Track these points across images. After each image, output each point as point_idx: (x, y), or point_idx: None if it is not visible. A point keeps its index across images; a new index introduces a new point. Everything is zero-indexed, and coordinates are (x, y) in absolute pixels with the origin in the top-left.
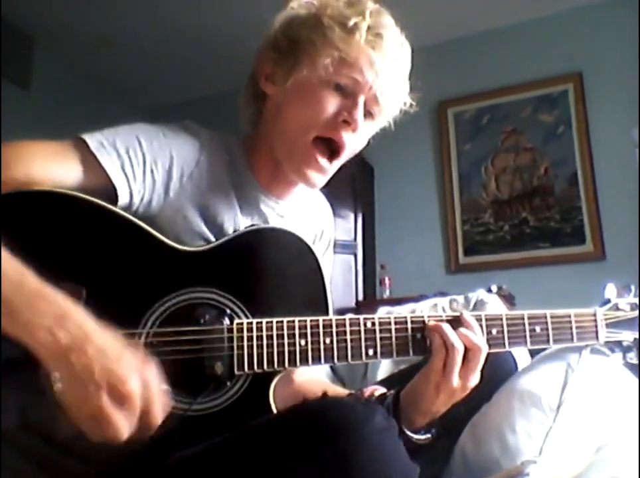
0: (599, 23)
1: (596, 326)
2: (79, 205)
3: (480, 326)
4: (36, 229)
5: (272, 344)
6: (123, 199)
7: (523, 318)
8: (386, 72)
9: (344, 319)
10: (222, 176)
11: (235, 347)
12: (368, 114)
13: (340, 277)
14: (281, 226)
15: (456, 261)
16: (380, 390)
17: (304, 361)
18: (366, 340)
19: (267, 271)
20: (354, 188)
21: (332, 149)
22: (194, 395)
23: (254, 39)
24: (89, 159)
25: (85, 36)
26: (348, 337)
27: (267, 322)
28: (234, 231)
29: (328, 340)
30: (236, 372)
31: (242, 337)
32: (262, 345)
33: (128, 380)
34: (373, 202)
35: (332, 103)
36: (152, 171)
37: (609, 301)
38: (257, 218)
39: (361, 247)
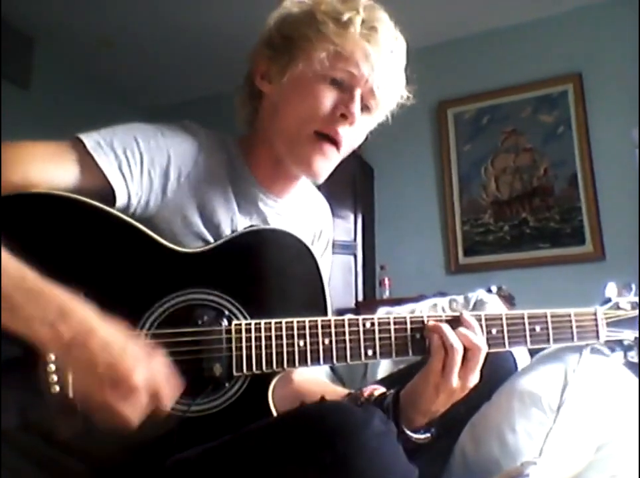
0: (598, 23)
1: (597, 325)
2: (77, 207)
3: (480, 326)
4: (34, 232)
5: (271, 345)
6: (121, 200)
7: (523, 318)
8: (382, 65)
9: (343, 320)
10: (220, 175)
11: (233, 348)
12: (365, 108)
13: (339, 278)
14: (280, 227)
15: (456, 261)
16: (380, 390)
17: (303, 362)
18: (365, 340)
19: (266, 272)
20: (354, 188)
21: (331, 143)
22: (193, 396)
23: (254, 39)
24: (86, 160)
25: (85, 36)
26: (347, 338)
27: (265, 324)
28: (232, 231)
29: (327, 341)
30: (235, 373)
31: (241, 338)
32: (261, 346)
33: (132, 374)
34: (373, 202)
35: (329, 98)
36: (149, 171)
37: (609, 300)
38: (256, 216)
39: (361, 248)
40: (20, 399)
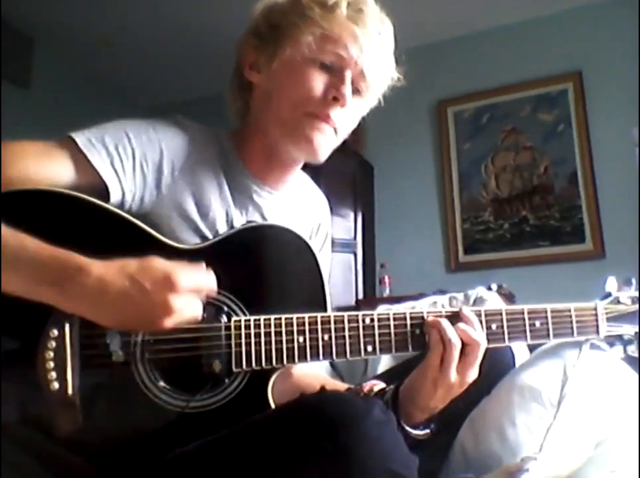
0: (598, 22)
1: (597, 320)
2: (74, 203)
3: (480, 321)
4: (30, 228)
5: (270, 341)
6: (115, 196)
7: (523, 313)
8: (370, 47)
9: (343, 316)
10: (213, 168)
11: (233, 344)
12: (355, 91)
13: (340, 276)
14: (279, 222)
15: (456, 259)
16: (379, 385)
17: (302, 358)
18: (364, 336)
19: (265, 268)
20: (354, 187)
21: (325, 122)
22: (193, 392)
23: None
24: (79, 158)
25: (85, 36)
26: (347, 333)
27: (265, 320)
28: (228, 224)
29: (326, 337)
30: (234, 369)
31: (240, 334)
32: (260, 342)
33: (171, 305)
34: (373, 201)
35: (319, 81)
36: (142, 166)
37: (609, 294)
38: (252, 208)
39: (361, 246)
40: (20, 393)
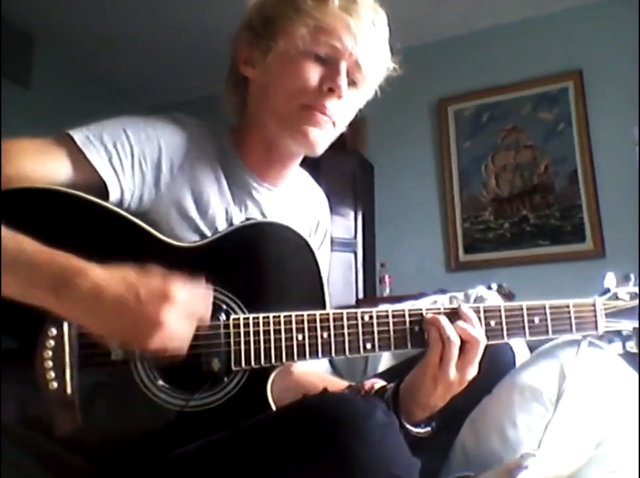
0: (599, 21)
1: (595, 316)
2: (71, 201)
3: (479, 318)
4: (28, 227)
5: (269, 339)
6: (114, 194)
7: (522, 310)
8: (365, 37)
9: (342, 313)
10: (212, 165)
11: (232, 343)
12: (351, 83)
13: (340, 276)
14: (278, 220)
15: (456, 259)
16: (380, 383)
17: (301, 356)
18: (363, 333)
19: (264, 266)
20: (354, 186)
21: (321, 114)
22: (192, 391)
23: None
24: (76, 155)
25: (85, 36)
26: (346, 331)
27: (263, 317)
28: (227, 221)
29: (325, 335)
30: (233, 367)
31: (239, 333)
32: (259, 340)
33: (158, 315)
34: (373, 200)
35: (314, 72)
36: (140, 164)
37: (608, 290)
38: (251, 205)
39: (361, 246)
40: (20, 393)
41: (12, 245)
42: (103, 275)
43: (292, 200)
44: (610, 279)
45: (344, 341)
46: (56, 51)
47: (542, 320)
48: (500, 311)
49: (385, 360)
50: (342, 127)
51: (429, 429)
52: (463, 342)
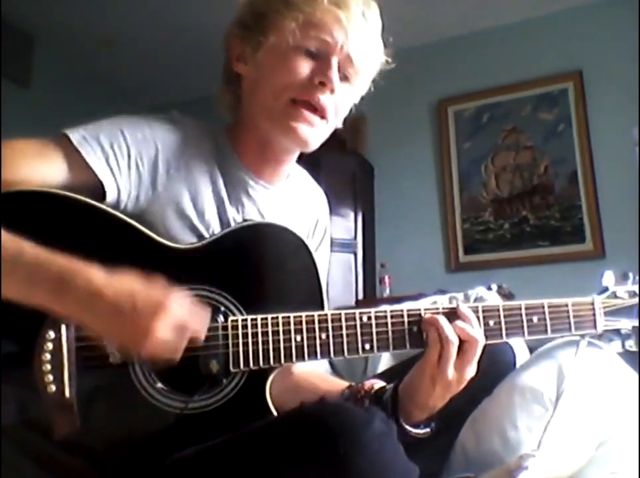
0: (599, 22)
1: (594, 314)
2: (67, 204)
3: (478, 318)
4: (26, 230)
5: (267, 341)
6: (110, 194)
7: (520, 309)
8: (356, 31)
9: (340, 314)
10: (208, 164)
11: (230, 344)
12: (344, 78)
13: (340, 276)
14: (276, 221)
15: (456, 259)
16: (379, 384)
17: (300, 357)
18: (362, 334)
19: (262, 267)
20: (354, 186)
21: (312, 111)
22: (190, 393)
23: None
24: (73, 155)
25: (85, 36)
26: (344, 332)
27: (262, 319)
28: (223, 219)
29: (324, 336)
30: (232, 369)
31: (237, 334)
32: (257, 342)
33: (153, 327)
34: (373, 200)
35: (304, 66)
36: (137, 164)
37: (607, 289)
38: (248, 203)
39: (361, 246)
40: (19, 396)
41: (12, 247)
42: (103, 279)
43: (290, 199)
44: (608, 278)
45: (342, 342)
46: (56, 51)
47: (541, 320)
48: (498, 310)
49: (385, 361)
50: (335, 123)
51: (428, 430)
52: (461, 341)
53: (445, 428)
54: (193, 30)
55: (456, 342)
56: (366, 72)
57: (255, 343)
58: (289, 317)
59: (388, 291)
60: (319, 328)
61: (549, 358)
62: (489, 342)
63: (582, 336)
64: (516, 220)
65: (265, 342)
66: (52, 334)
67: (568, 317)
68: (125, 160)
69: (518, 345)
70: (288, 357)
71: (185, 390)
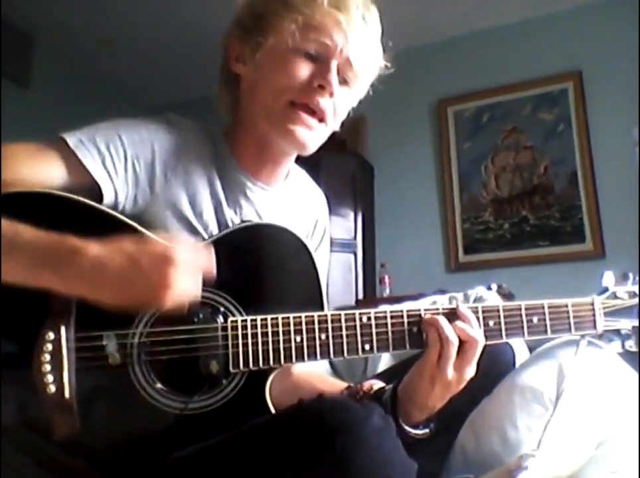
0: (599, 22)
1: (594, 315)
2: (66, 205)
3: (477, 318)
4: None
5: (267, 341)
6: (108, 197)
7: (520, 309)
8: (355, 34)
9: (340, 314)
10: (206, 166)
11: (230, 345)
12: (343, 81)
13: (340, 276)
14: (275, 221)
15: (456, 259)
16: (378, 384)
17: (300, 357)
18: (362, 335)
19: (261, 268)
20: (353, 186)
21: (310, 114)
22: (190, 394)
23: None
24: (70, 158)
25: (85, 36)
26: (344, 332)
27: (261, 320)
28: (221, 221)
29: (323, 336)
30: (231, 370)
31: (237, 335)
32: (257, 342)
33: (167, 282)
34: (373, 200)
35: (304, 69)
36: (134, 166)
37: (606, 289)
38: (246, 204)
39: (361, 246)
40: (19, 397)
41: (9, 230)
42: (101, 250)
43: (288, 200)
44: (608, 278)
45: (342, 342)
46: (56, 51)
47: (541, 320)
48: (498, 310)
49: (385, 361)
50: (334, 126)
51: (427, 430)
52: (461, 342)
53: (445, 428)
54: (193, 30)
55: (456, 342)
56: (365, 75)
57: (254, 344)
58: (288, 318)
59: (388, 291)
60: (319, 328)
61: (549, 358)
62: (489, 342)
63: (582, 336)
64: (516, 220)
65: (265, 343)
66: (51, 335)
67: (568, 317)
68: (121, 162)
69: (518, 345)
70: (288, 358)
71: (185, 391)
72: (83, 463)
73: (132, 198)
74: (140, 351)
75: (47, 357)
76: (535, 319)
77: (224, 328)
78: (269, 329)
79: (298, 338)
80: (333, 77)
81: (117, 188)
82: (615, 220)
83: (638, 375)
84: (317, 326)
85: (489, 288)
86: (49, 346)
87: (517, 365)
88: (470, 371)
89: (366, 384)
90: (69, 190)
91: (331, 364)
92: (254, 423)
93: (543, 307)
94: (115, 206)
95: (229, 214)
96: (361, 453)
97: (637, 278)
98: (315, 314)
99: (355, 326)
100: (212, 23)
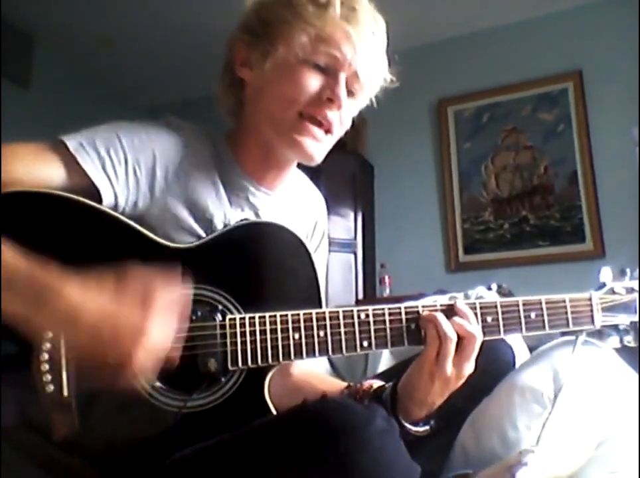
0: (599, 22)
1: (592, 310)
2: (66, 204)
3: (475, 314)
4: (25, 230)
5: (265, 339)
6: (107, 200)
7: (518, 305)
8: (364, 48)
9: (338, 312)
10: (208, 170)
11: (228, 343)
12: (349, 93)
13: (340, 276)
14: (272, 219)
15: (456, 259)
16: (378, 383)
17: (298, 355)
18: (360, 332)
19: (259, 266)
20: (354, 186)
21: (317, 126)
22: (189, 392)
23: None
24: (70, 161)
25: (85, 36)
26: (342, 330)
27: (260, 317)
28: (224, 225)
29: (322, 333)
30: (230, 367)
31: (235, 333)
32: (255, 340)
33: (132, 361)
34: (373, 200)
35: (313, 81)
36: (134, 170)
37: (604, 284)
38: (248, 209)
39: (361, 246)
40: (18, 397)
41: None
42: (79, 296)
43: (289, 203)
44: (606, 274)
45: (340, 340)
46: (56, 51)
47: (539, 316)
48: (496, 306)
49: (385, 361)
50: (338, 136)
51: (427, 428)
52: (459, 338)
53: (445, 427)
54: (193, 30)
55: (454, 338)
56: (371, 88)
57: (253, 341)
58: (286, 315)
59: (388, 291)
60: (317, 326)
61: (548, 358)
62: (487, 338)
63: (580, 333)
64: (516, 220)
65: (263, 341)
66: (50, 333)
67: (566, 313)
68: (122, 166)
69: (518, 345)
70: (286, 355)
71: (184, 389)
72: (82, 463)
73: (132, 202)
74: None
75: (45, 356)
76: (533, 315)
77: (222, 326)
78: (268, 327)
79: (296, 336)
80: (342, 90)
81: (117, 192)
82: (615, 219)
83: (638, 371)
84: (315, 323)
85: (489, 288)
86: (48, 345)
87: (517, 365)
88: (469, 367)
89: (366, 384)
90: (68, 192)
91: (332, 363)
92: (257, 424)
93: (540, 303)
94: (114, 209)
95: (232, 218)
96: (364, 455)
97: (635, 273)
98: (313, 311)
99: (353, 323)
100: (212, 23)
